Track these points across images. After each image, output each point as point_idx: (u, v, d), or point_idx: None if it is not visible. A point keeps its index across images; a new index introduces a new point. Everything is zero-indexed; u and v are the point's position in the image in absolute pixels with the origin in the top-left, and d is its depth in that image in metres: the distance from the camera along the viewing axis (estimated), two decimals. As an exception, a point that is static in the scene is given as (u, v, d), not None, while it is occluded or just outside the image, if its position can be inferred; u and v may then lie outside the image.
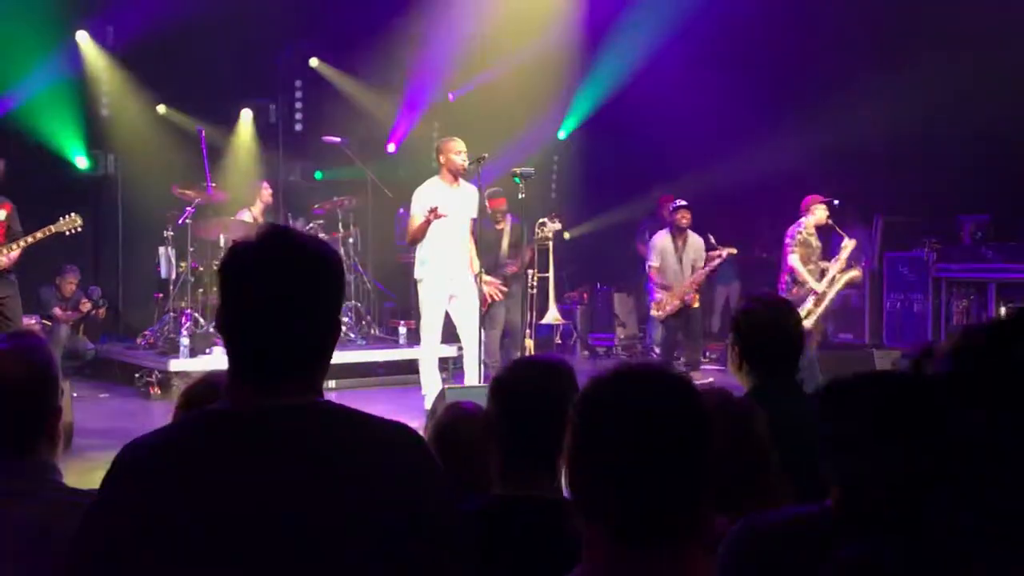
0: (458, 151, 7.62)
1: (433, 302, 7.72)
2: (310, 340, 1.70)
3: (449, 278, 7.66)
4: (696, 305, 9.73)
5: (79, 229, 7.85)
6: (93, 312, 10.63)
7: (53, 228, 7.67)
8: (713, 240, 9.81)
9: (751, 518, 1.92)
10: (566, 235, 9.44)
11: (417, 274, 7.82)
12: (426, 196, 7.68)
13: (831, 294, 8.82)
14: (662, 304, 9.69)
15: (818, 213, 8.89)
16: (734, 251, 9.94)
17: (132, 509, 1.60)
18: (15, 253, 7.49)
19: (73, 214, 7.79)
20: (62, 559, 1.64)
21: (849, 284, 9.10)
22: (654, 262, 9.81)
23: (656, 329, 11.21)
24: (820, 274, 8.84)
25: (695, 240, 9.86)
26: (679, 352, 9.98)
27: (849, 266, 8.93)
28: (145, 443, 1.68)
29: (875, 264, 12.38)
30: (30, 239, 7.55)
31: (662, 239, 9.85)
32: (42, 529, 1.86)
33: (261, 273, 1.67)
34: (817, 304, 8.72)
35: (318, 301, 1.70)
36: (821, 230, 9.00)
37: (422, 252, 7.74)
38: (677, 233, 9.78)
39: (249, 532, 1.56)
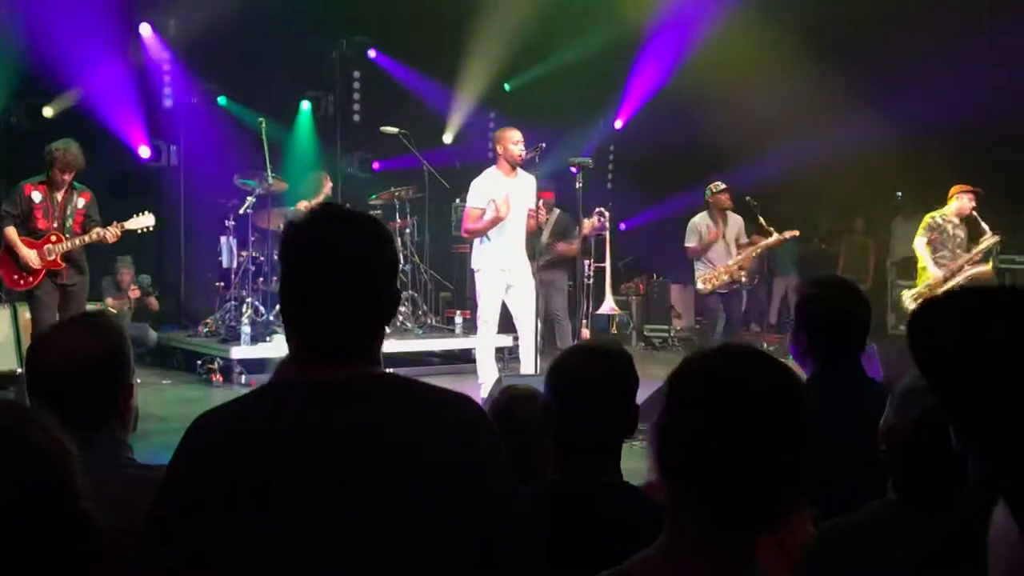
0: (515, 141, 7.63)
1: (490, 292, 7.74)
2: (370, 311, 1.73)
3: (507, 268, 7.66)
4: (744, 280, 9.69)
5: (150, 229, 7.98)
6: (144, 299, 10.79)
7: (126, 225, 7.78)
8: (763, 221, 9.77)
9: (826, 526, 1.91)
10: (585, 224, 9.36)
11: (474, 263, 7.84)
12: (484, 187, 7.69)
13: (950, 284, 8.53)
14: (709, 278, 9.63)
15: (961, 201, 8.72)
16: (796, 233, 9.86)
17: (204, 481, 1.64)
18: (82, 240, 7.60)
19: (147, 212, 7.90)
20: (137, 532, 1.68)
21: (976, 277, 8.83)
22: (689, 243, 9.80)
23: (720, 319, 11.12)
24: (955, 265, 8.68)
25: (735, 219, 9.87)
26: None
27: (984, 260, 8.77)
28: (215, 416, 1.72)
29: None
30: (102, 232, 7.63)
31: (701, 220, 9.83)
32: (119, 502, 1.91)
33: (319, 248, 1.71)
34: (931, 289, 8.50)
35: (375, 273, 1.73)
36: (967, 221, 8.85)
37: (480, 241, 7.77)
38: (717, 214, 9.76)
39: (317, 502, 1.60)
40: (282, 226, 10.15)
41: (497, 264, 7.67)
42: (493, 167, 7.82)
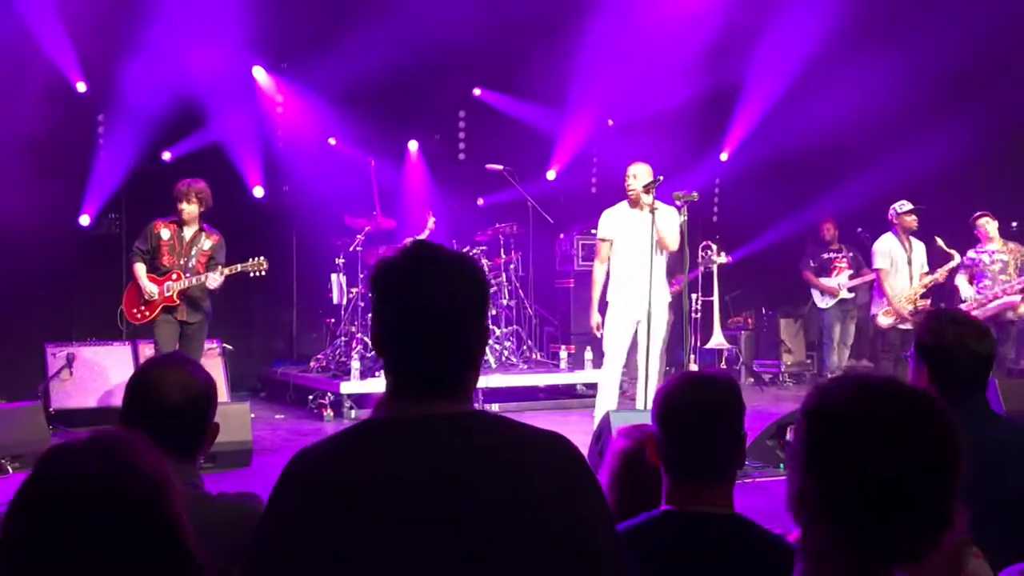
0: (628, 175, 7.66)
1: (617, 325, 7.68)
2: (461, 349, 1.75)
3: (634, 302, 7.58)
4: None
5: (263, 273, 8.06)
6: None
7: (239, 267, 7.88)
8: (941, 242, 9.23)
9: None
10: (723, 259, 9.07)
11: (608, 296, 7.85)
12: (606, 219, 7.78)
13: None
14: (890, 310, 9.21)
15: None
16: (958, 258, 9.27)
17: (300, 515, 1.68)
18: (183, 284, 7.71)
19: (261, 257, 8.00)
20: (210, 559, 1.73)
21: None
22: (882, 264, 9.36)
23: (832, 354, 10.81)
24: None
25: (920, 245, 9.44)
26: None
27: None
28: (311, 452, 1.77)
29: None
30: (224, 271, 7.74)
31: (889, 242, 9.41)
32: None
33: (401, 287, 1.74)
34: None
35: (466, 311, 1.75)
36: None
37: (611, 275, 7.79)
38: (903, 236, 9.37)
39: (408, 536, 1.62)
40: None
41: (624, 297, 7.65)
42: (624, 200, 7.84)
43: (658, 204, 7.47)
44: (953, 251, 9.21)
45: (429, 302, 1.71)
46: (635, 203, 7.66)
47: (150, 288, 7.72)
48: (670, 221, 7.54)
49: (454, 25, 10.78)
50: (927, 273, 9.34)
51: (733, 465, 2.25)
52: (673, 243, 7.58)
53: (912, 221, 9.29)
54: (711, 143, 13.46)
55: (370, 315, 10.10)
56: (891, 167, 11.67)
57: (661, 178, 7.45)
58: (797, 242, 12.52)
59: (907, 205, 9.33)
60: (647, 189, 7.42)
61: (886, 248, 9.38)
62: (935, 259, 9.42)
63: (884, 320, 9.29)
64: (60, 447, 1.54)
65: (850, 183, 11.93)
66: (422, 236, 10.89)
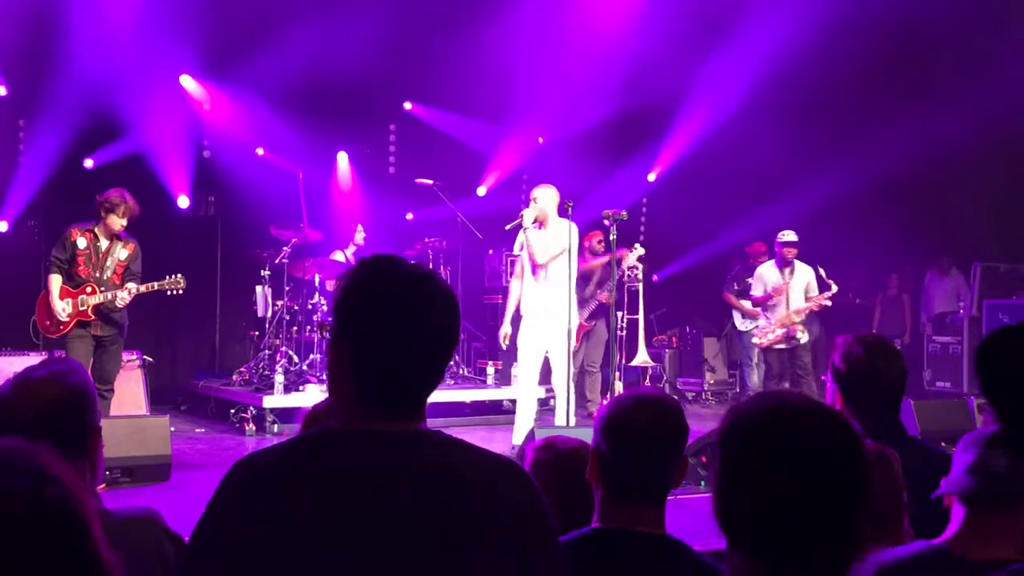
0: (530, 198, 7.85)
1: (526, 342, 7.78)
2: (427, 367, 1.73)
3: (540, 320, 7.69)
4: (804, 339, 9.40)
5: (181, 291, 7.90)
6: None
7: (156, 285, 7.71)
8: (823, 272, 9.48)
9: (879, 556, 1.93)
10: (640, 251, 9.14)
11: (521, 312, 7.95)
12: (519, 238, 7.86)
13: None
14: (765, 332, 9.48)
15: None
16: (835, 289, 9.47)
17: (241, 524, 1.63)
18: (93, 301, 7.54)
19: (179, 275, 7.85)
20: None
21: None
22: (754, 291, 9.79)
23: (751, 374, 10.98)
24: None
25: (804, 270, 9.59)
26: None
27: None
28: (256, 460, 1.71)
29: (974, 311, 12.05)
30: (133, 289, 7.55)
31: (766, 268, 9.75)
32: None
33: (385, 301, 1.69)
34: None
35: (452, 331, 1.74)
36: None
37: (523, 293, 7.88)
38: (783, 264, 9.59)
39: (356, 552, 1.59)
40: (317, 276, 10.12)
41: (531, 314, 7.74)
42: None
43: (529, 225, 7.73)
44: (831, 281, 9.44)
45: (429, 322, 1.69)
46: (541, 223, 7.80)
47: (58, 308, 7.49)
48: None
49: (385, 37, 10.75)
50: (812, 297, 9.53)
51: (670, 486, 2.27)
52: (538, 258, 7.69)
53: (788, 251, 9.52)
54: (639, 163, 13.62)
55: (310, 327, 10.08)
56: (807, 193, 11.94)
57: (571, 203, 7.62)
58: (721, 262, 12.72)
59: (789, 236, 9.55)
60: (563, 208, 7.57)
61: (760, 275, 9.80)
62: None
63: (757, 340, 9.60)
64: None
65: (773, 206, 12.15)
66: (349, 249, 10.82)
